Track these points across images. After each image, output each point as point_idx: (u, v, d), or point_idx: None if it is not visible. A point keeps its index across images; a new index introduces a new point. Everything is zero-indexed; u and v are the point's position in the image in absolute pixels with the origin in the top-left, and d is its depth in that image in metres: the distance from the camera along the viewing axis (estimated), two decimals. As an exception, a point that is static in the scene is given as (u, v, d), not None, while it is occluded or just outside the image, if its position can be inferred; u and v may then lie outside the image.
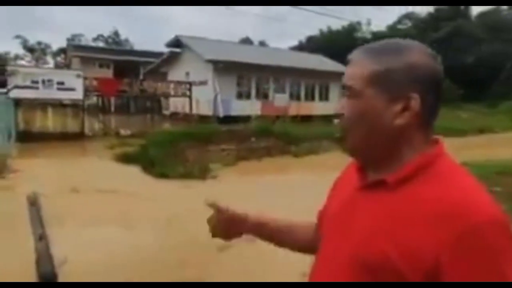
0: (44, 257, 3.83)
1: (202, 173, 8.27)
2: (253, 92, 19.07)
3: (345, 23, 41.09)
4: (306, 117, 18.83)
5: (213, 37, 22.98)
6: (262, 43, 44.54)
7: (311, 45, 40.69)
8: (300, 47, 41.47)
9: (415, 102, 0.70)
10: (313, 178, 7.36)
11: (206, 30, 65.35)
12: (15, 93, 11.87)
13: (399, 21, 47.94)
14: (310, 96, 21.07)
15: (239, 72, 18.20)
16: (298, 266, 2.07)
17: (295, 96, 20.40)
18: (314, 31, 49.77)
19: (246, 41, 45.71)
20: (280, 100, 19.40)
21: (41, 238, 4.57)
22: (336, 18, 66.82)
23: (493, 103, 27.48)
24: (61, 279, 3.39)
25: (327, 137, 11.63)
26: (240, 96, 18.60)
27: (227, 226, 0.99)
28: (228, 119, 15.85)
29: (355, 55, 0.76)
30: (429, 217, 0.65)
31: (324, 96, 21.38)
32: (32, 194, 6.21)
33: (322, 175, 5.79)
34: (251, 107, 17.85)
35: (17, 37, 44.24)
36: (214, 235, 1.01)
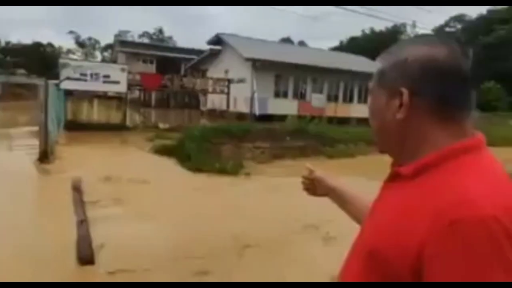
0: (84, 241, 4.04)
1: (236, 169, 8.36)
2: (291, 91, 19.01)
3: (389, 24, 39.95)
4: (343, 119, 18.52)
5: (255, 37, 23.11)
6: (302, 43, 44.23)
7: (352, 46, 39.94)
8: (341, 48, 40.78)
9: (405, 96, 0.72)
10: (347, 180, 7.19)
11: (249, 29, 65.26)
12: (65, 85, 12.62)
13: (447, 23, 45.90)
14: (348, 98, 20.71)
15: (277, 71, 18.21)
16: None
17: (333, 97, 20.12)
18: (356, 32, 48.85)
19: (287, 40, 45.57)
20: (317, 100, 19.21)
21: (82, 222, 4.80)
22: (379, 19, 64.90)
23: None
24: (98, 262, 3.57)
25: (364, 140, 11.37)
26: (277, 95, 18.60)
27: (313, 185, 1.26)
28: (265, 118, 15.90)
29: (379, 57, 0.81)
30: (424, 209, 0.64)
31: (363, 98, 20.92)
32: (76, 180, 6.53)
33: (356, 178, 5.70)
34: (288, 107, 17.81)
35: (71, 32, 47.04)
36: (305, 190, 1.29)
